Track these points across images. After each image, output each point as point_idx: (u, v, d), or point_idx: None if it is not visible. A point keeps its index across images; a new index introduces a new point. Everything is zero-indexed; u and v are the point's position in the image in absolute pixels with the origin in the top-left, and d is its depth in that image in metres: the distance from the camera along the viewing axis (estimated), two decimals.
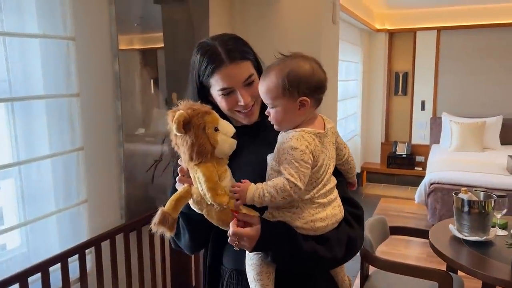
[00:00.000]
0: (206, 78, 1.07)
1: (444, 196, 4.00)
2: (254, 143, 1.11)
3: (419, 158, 5.97)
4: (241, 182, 1.00)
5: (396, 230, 2.58)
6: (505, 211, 2.21)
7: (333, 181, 1.06)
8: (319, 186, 1.01)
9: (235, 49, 1.06)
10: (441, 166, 4.41)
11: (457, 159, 4.67)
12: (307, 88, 0.99)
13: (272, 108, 1.03)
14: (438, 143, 5.58)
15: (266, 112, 1.06)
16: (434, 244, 2.16)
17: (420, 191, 4.26)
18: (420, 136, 6.02)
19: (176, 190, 1.10)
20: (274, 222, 1.01)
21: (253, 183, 0.99)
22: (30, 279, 1.57)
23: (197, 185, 0.97)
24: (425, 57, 5.80)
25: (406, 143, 6.01)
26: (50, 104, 1.67)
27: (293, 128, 1.02)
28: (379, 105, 6.19)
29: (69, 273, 1.72)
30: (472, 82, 5.61)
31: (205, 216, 1.01)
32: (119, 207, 2.07)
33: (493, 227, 2.19)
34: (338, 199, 1.07)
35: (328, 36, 2.96)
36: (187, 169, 1.00)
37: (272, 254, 1.00)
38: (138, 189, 2.19)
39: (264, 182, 0.99)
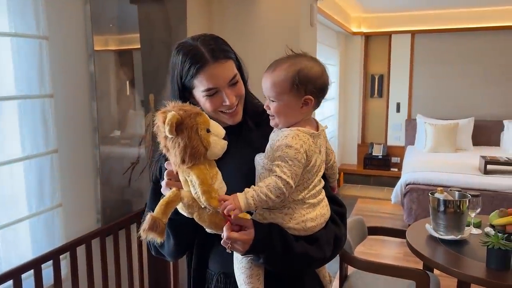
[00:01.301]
0: (189, 79, 1.05)
1: (420, 196, 4.08)
2: (238, 143, 1.10)
3: (394, 159, 6.07)
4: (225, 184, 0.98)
5: (374, 231, 2.61)
6: (479, 210, 2.26)
7: (322, 182, 1.06)
8: (310, 187, 1.02)
9: (218, 48, 1.05)
10: (416, 167, 4.49)
11: (431, 159, 4.77)
12: (314, 88, 1.01)
13: (274, 102, 1.03)
14: (413, 145, 5.69)
15: (265, 105, 1.05)
16: (411, 244, 2.19)
17: (396, 191, 4.33)
18: (395, 137, 6.13)
19: (157, 193, 1.08)
20: (267, 224, 1.00)
21: (238, 193, 0.96)
22: (1, 287, 1.51)
23: (188, 188, 0.96)
24: (400, 60, 5.91)
25: (382, 145, 6.10)
26: (22, 105, 1.61)
27: (288, 127, 1.02)
28: (356, 107, 6.28)
29: (42, 280, 1.67)
30: (445, 85, 5.75)
31: (196, 220, 0.99)
32: (95, 211, 2.02)
33: (468, 226, 2.24)
34: (325, 199, 1.07)
35: (306, 38, 2.97)
36: (176, 173, 0.98)
37: (264, 256, 0.99)
38: (115, 192, 2.15)
39: (252, 186, 0.97)
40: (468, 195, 2.18)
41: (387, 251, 3.93)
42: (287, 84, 1.00)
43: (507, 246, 1.83)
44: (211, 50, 1.04)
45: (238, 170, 1.05)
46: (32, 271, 1.63)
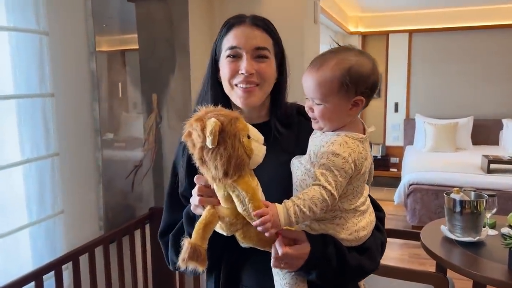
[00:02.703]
0: (221, 39, 0.99)
1: (424, 197, 4.02)
2: (269, 147, 0.95)
3: (393, 160, 6.02)
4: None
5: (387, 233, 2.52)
6: (495, 210, 2.19)
7: (367, 187, 0.98)
8: (359, 194, 0.93)
9: (263, 20, 0.99)
10: (418, 167, 4.44)
11: (432, 159, 4.72)
12: (366, 87, 0.90)
13: (320, 104, 0.91)
14: (412, 144, 5.65)
15: (307, 108, 0.95)
16: (427, 246, 2.12)
17: (399, 192, 4.27)
18: (394, 137, 6.08)
19: (176, 202, 1.00)
20: (319, 236, 0.91)
21: (277, 204, 0.85)
22: None
23: (228, 205, 0.85)
24: (397, 60, 5.88)
25: (381, 145, 6.05)
26: (21, 105, 1.50)
27: (334, 130, 0.92)
28: None
29: None
30: (443, 84, 5.72)
31: (239, 238, 0.88)
32: (97, 217, 1.92)
33: (484, 227, 2.17)
34: (371, 205, 0.99)
35: (310, 36, 2.90)
36: (207, 187, 0.87)
37: (318, 272, 0.90)
38: (117, 197, 2.04)
39: (292, 198, 0.86)
40: (485, 195, 2.11)
41: (391, 252, 3.86)
42: (335, 84, 0.89)
43: None
44: (255, 17, 0.99)
45: (274, 177, 0.95)
46: (33, 283, 1.52)
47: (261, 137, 0.87)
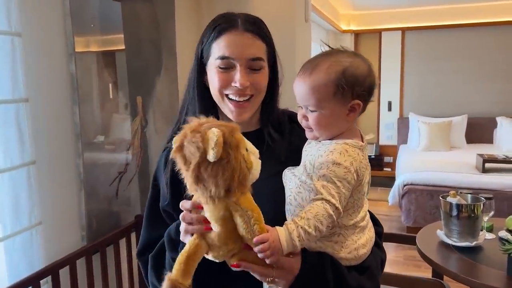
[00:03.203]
0: (209, 43, 0.89)
1: (418, 197, 3.96)
2: (261, 158, 0.87)
3: (387, 159, 5.97)
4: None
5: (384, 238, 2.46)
6: (492, 213, 2.13)
7: (367, 200, 0.91)
8: (359, 209, 0.86)
9: (254, 22, 0.90)
10: (412, 167, 4.38)
11: (427, 159, 4.67)
12: (363, 90, 0.84)
13: (315, 111, 0.84)
14: (406, 143, 5.60)
15: (300, 116, 0.88)
16: (423, 251, 2.05)
17: (393, 192, 4.20)
18: (387, 136, 6.03)
19: (158, 216, 0.92)
20: (316, 253, 0.83)
21: (278, 227, 0.77)
22: None
23: (224, 228, 0.75)
24: (390, 58, 5.82)
25: (375, 144, 6.00)
26: None
27: (331, 139, 0.85)
28: None
29: None
30: (437, 82, 5.67)
31: (234, 262, 0.79)
32: (79, 227, 1.83)
33: (481, 230, 2.11)
34: (370, 220, 0.92)
35: (301, 34, 2.82)
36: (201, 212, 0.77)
37: None
38: (101, 205, 1.95)
39: (294, 218, 0.78)
40: (482, 198, 2.05)
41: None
42: (330, 88, 0.82)
43: None
44: (246, 20, 0.89)
45: (264, 191, 0.85)
46: None
47: (256, 151, 0.79)
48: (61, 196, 1.74)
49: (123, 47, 2.12)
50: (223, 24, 0.89)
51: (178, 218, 0.85)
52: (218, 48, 0.88)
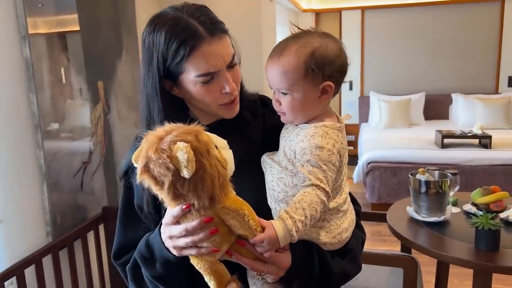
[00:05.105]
0: (178, 63, 0.81)
1: (382, 174, 4.06)
2: (234, 141, 0.82)
3: (349, 137, 6.07)
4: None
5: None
6: (457, 188, 2.20)
7: (347, 183, 0.90)
8: (341, 190, 0.86)
9: (211, 21, 0.82)
10: (375, 145, 4.47)
11: (388, 136, 4.78)
12: (334, 71, 0.82)
13: (286, 94, 0.83)
14: (367, 122, 5.71)
15: (274, 101, 0.85)
16: (394, 228, 2.09)
17: (358, 171, 4.29)
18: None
19: (133, 215, 0.87)
20: (301, 243, 0.82)
21: (273, 221, 0.76)
22: None
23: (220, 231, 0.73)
24: (351, 37, 5.85)
25: None
26: None
27: (308, 122, 0.84)
28: None
29: None
30: (396, 61, 5.77)
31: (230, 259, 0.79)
32: (43, 222, 1.72)
33: (447, 205, 2.18)
34: (351, 203, 0.92)
35: (266, 15, 2.76)
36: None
37: (299, 283, 0.82)
38: (65, 198, 1.85)
39: (288, 211, 0.76)
40: (449, 174, 2.11)
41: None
42: (300, 71, 0.81)
43: (496, 226, 1.76)
44: (204, 23, 0.80)
45: (245, 176, 0.84)
46: None
47: (224, 142, 0.75)
48: (22, 190, 1.62)
49: (78, 28, 1.98)
50: (188, 39, 0.79)
51: (158, 218, 0.83)
52: (197, 66, 0.81)
